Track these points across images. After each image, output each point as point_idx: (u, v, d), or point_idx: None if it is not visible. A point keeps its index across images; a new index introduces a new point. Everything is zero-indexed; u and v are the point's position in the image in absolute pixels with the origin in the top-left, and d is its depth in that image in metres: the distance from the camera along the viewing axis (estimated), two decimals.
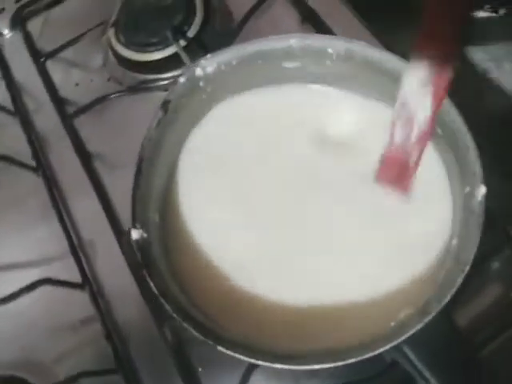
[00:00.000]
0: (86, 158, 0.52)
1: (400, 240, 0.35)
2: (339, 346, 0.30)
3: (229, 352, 0.30)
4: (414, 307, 0.30)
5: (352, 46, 0.36)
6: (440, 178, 0.36)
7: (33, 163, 0.53)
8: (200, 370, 0.42)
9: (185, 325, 0.31)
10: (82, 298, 0.46)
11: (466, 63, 0.66)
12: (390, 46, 0.50)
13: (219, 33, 0.55)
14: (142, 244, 0.34)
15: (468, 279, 0.41)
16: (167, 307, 0.32)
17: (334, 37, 0.37)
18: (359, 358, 0.29)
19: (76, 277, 0.47)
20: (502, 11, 0.62)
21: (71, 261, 0.47)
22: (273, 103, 0.40)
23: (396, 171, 0.36)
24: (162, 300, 0.32)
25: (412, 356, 0.31)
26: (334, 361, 0.29)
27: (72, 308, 0.47)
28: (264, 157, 0.39)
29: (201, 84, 0.39)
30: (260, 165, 0.39)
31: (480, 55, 0.66)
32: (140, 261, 0.33)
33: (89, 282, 0.46)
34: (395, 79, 0.35)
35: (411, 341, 0.30)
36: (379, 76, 0.36)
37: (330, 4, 0.55)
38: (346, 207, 0.37)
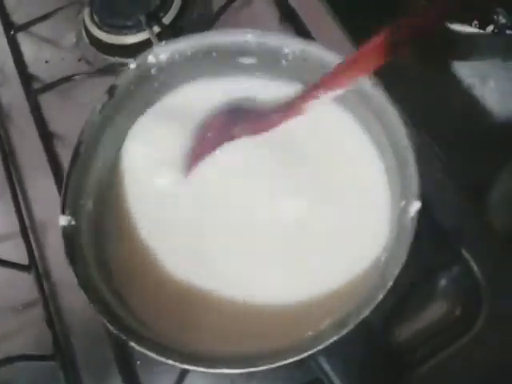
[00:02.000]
0: (47, 137, 0.51)
1: (331, 251, 0.35)
2: (256, 350, 0.30)
3: (139, 348, 0.30)
4: (334, 319, 0.30)
5: (308, 48, 0.36)
6: (381, 188, 0.35)
7: None
8: (138, 363, 0.42)
9: (100, 316, 0.30)
10: (27, 281, 0.45)
11: (450, 77, 0.66)
12: None
13: (195, 22, 0.54)
14: (70, 231, 0.33)
15: (413, 294, 0.41)
16: (86, 296, 0.31)
17: (290, 36, 0.36)
18: (270, 366, 0.28)
19: (24, 258, 0.46)
20: (489, 28, 0.62)
21: (20, 241, 0.46)
22: (221, 94, 0.39)
23: None
24: (81, 288, 0.31)
25: (327, 368, 0.30)
26: (245, 367, 0.29)
27: (16, 290, 0.46)
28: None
29: (152, 72, 0.38)
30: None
31: (465, 71, 0.66)
32: (64, 247, 0.32)
33: (35, 265, 0.45)
34: None
35: (328, 353, 0.29)
36: None
37: (310, 5, 0.54)
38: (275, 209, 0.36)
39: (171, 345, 0.31)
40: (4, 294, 0.45)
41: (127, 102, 0.37)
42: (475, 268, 0.41)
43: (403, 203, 0.31)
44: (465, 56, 0.65)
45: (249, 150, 0.37)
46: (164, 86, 0.39)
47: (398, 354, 0.40)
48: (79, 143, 0.35)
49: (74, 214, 0.34)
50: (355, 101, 0.35)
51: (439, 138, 0.48)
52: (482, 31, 0.61)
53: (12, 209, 0.48)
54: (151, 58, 0.37)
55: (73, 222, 0.33)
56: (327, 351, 0.30)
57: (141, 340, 0.30)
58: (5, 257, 0.44)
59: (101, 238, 0.36)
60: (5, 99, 0.54)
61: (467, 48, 0.65)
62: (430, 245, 0.43)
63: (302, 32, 0.52)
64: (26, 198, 0.49)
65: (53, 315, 0.44)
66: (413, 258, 0.41)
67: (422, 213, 0.42)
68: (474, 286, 0.41)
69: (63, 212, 0.33)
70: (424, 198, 0.43)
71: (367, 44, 0.33)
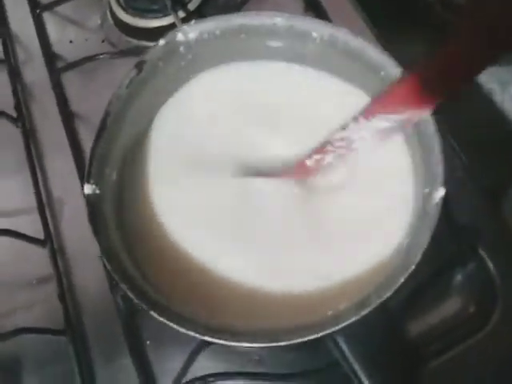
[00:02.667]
0: (68, 115, 0.51)
1: (355, 233, 0.35)
2: (277, 327, 0.30)
3: (160, 318, 0.30)
4: (355, 301, 0.30)
5: (336, 32, 0.35)
6: (405, 175, 0.35)
7: (14, 113, 0.52)
8: (148, 343, 0.42)
9: (121, 285, 0.31)
10: (42, 256, 0.45)
11: None
12: (386, 45, 0.50)
13: (220, 9, 0.54)
14: (94, 200, 0.33)
15: (429, 288, 0.41)
16: (107, 265, 0.31)
17: (318, 21, 0.36)
18: (289, 342, 0.28)
19: (40, 233, 0.46)
20: None
21: (37, 217, 0.47)
22: (249, 78, 0.39)
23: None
24: (103, 256, 0.31)
25: (345, 348, 0.30)
26: (264, 341, 0.29)
27: (31, 264, 0.46)
28: (229, 134, 0.38)
29: (181, 50, 0.38)
30: (225, 142, 0.38)
31: (486, 76, 0.66)
32: (88, 216, 0.32)
33: (51, 240, 0.45)
34: (374, 70, 0.34)
35: (347, 333, 0.29)
36: (359, 65, 0.35)
37: None
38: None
39: (191, 316, 0.31)
40: (19, 268, 0.46)
41: (155, 78, 0.38)
42: (491, 266, 0.41)
43: (427, 190, 0.31)
44: None
45: None
46: (192, 65, 0.39)
47: (413, 346, 0.40)
48: (106, 114, 0.36)
49: (98, 184, 0.34)
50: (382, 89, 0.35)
51: (460, 140, 0.48)
52: None
53: (30, 185, 0.48)
54: (180, 36, 0.37)
55: (97, 191, 0.34)
56: (346, 333, 0.30)
57: (161, 310, 0.30)
58: (21, 231, 0.44)
59: (123, 209, 0.36)
60: (28, 77, 0.54)
61: None
62: (447, 241, 0.43)
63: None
64: (44, 175, 0.49)
65: (65, 291, 0.44)
66: (429, 252, 0.41)
67: (441, 209, 0.42)
68: (489, 284, 0.41)
69: (88, 181, 0.33)
70: (445, 195, 0.43)
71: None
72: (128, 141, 0.37)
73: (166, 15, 0.53)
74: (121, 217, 0.35)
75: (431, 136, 0.31)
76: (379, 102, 0.33)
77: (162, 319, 0.30)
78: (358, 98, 0.37)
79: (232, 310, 0.33)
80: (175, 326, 0.29)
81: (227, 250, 0.35)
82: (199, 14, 0.53)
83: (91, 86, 0.53)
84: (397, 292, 0.39)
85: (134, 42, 0.54)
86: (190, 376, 0.40)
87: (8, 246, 0.45)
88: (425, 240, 0.29)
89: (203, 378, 0.38)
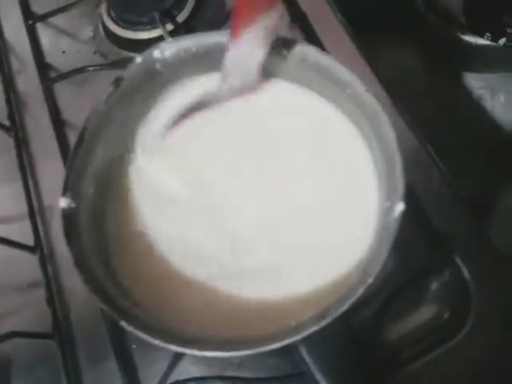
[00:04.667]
0: (59, 125, 0.53)
1: (318, 246, 0.36)
2: (242, 337, 0.31)
3: (129, 327, 0.31)
4: (316, 312, 0.31)
5: (306, 50, 0.37)
6: (368, 189, 0.36)
7: (7, 123, 0.53)
8: (134, 347, 0.43)
9: (94, 296, 0.32)
10: (32, 262, 0.47)
11: (460, 88, 0.67)
12: (372, 61, 0.51)
13: (208, 21, 0.56)
14: (69, 213, 0.35)
15: (405, 294, 0.42)
16: (80, 276, 0.32)
17: (290, 39, 0.37)
18: (252, 352, 0.30)
19: (30, 240, 0.47)
20: (501, 41, 0.63)
21: (28, 224, 0.48)
22: None
23: None
24: (76, 267, 0.33)
25: (308, 359, 0.31)
26: (228, 350, 0.30)
27: (22, 270, 0.47)
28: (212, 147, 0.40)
29: (157, 66, 0.39)
30: (209, 155, 0.40)
31: (476, 82, 0.67)
32: (63, 229, 0.34)
33: (40, 246, 0.47)
34: (343, 88, 0.36)
35: (308, 342, 0.30)
36: (328, 81, 0.37)
37: (322, 11, 0.55)
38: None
39: (161, 326, 0.32)
40: (9, 273, 0.47)
41: (134, 93, 0.39)
42: (466, 273, 0.42)
43: (388, 204, 0.32)
44: (476, 68, 0.66)
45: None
46: (169, 81, 0.40)
47: (384, 354, 0.41)
48: (84, 129, 0.37)
49: (74, 197, 0.35)
50: (350, 105, 0.36)
51: (442, 148, 0.49)
52: (494, 43, 0.62)
53: (22, 192, 0.50)
54: (157, 53, 0.39)
55: (73, 205, 0.35)
56: (310, 343, 0.31)
57: (131, 320, 0.31)
58: (12, 237, 0.46)
59: (100, 221, 0.37)
60: (21, 87, 0.56)
61: (479, 60, 0.65)
62: (423, 248, 0.44)
63: (310, 36, 0.54)
64: (35, 183, 0.51)
65: (54, 296, 0.45)
66: (406, 259, 0.43)
67: (416, 217, 0.44)
68: (464, 291, 0.42)
69: (64, 194, 0.35)
70: (420, 203, 0.45)
71: None
72: (107, 155, 0.38)
73: (154, 27, 0.54)
74: (98, 229, 0.36)
75: (393, 151, 0.32)
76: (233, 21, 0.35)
77: (129, 328, 0.31)
78: (327, 110, 0.39)
79: (197, 319, 0.34)
80: (142, 335, 0.31)
81: (197, 260, 0.36)
82: (187, 26, 0.55)
83: (83, 96, 0.54)
84: (370, 297, 0.41)
85: (125, 53, 0.56)
86: (172, 379, 0.41)
87: None
88: (384, 254, 0.30)
89: (185, 381, 0.40)
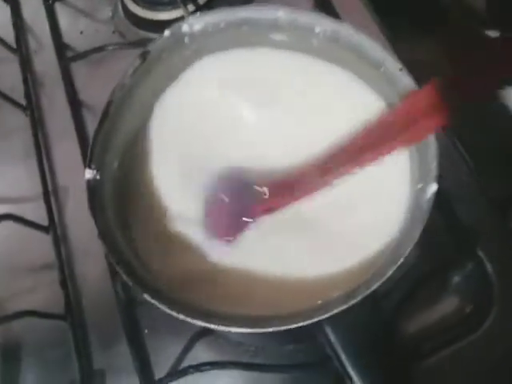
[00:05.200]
0: (76, 105, 0.52)
1: (349, 226, 0.35)
2: (267, 315, 0.30)
3: (152, 300, 0.30)
4: (344, 291, 0.30)
5: (338, 28, 0.36)
6: (402, 171, 0.35)
7: (23, 102, 0.52)
8: (146, 331, 0.43)
9: (117, 268, 0.31)
10: (46, 243, 0.46)
11: (500, 101, 0.65)
12: (395, 45, 0.50)
13: (230, 2, 0.54)
14: (94, 185, 0.34)
15: (427, 286, 0.41)
16: (104, 246, 0.32)
17: (321, 15, 0.36)
18: (278, 329, 0.29)
19: (44, 220, 0.47)
20: None
21: (42, 204, 0.48)
22: (250, 64, 0.39)
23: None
24: (100, 238, 0.32)
25: (333, 338, 0.30)
26: (253, 327, 0.29)
27: (35, 250, 0.47)
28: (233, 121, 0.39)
29: (186, 40, 0.38)
30: (227, 130, 0.39)
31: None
32: (87, 200, 0.33)
33: (54, 227, 0.46)
34: (375, 65, 0.35)
35: (335, 323, 0.30)
36: (361, 59, 0.36)
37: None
38: None
39: (185, 301, 0.31)
40: (23, 253, 0.47)
41: (159, 68, 0.38)
42: (488, 266, 0.41)
43: (421, 185, 0.32)
44: None
45: None
46: (196, 56, 0.39)
47: (407, 344, 0.40)
48: (109, 103, 0.36)
49: (99, 169, 0.34)
50: (382, 83, 0.35)
51: (469, 145, 0.48)
52: None
53: (37, 172, 0.49)
54: (185, 27, 0.38)
55: (97, 177, 0.34)
56: (336, 324, 0.30)
57: (154, 293, 0.31)
58: (26, 217, 0.45)
59: (124, 195, 0.36)
60: (39, 66, 0.55)
61: None
62: (447, 241, 0.43)
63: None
64: (50, 163, 0.50)
65: (67, 277, 0.44)
66: (430, 250, 0.41)
67: (441, 207, 0.42)
68: (486, 284, 0.41)
69: (89, 166, 0.34)
70: (447, 194, 0.43)
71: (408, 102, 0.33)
72: (130, 129, 0.38)
73: (175, 8, 0.53)
74: (122, 202, 0.36)
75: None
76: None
77: (153, 301, 0.30)
78: (360, 89, 0.38)
79: (227, 296, 0.34)
80: (166, 309, 0.30)
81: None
82: (208, 7, 0.54)
83: (100, 76, 0.54)
84: (392, 287, 0.40)
85: (144, 33, 0.55)
86: (185, 364, 0.40)
87: (12, 231, 0.45)
88: (416, 234, 0.29)
89: (198, 366, 0.39)
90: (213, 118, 0.39)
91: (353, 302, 0.28)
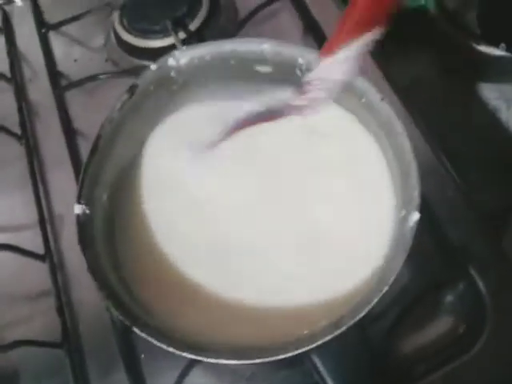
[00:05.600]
0: (70, 133, 0.53)
1: (333, 257, 0.35)
2: (254, 346, 0.31)
3: (142, 334, 0.30)
4: (330, 320, 0.31)
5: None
6: (386, 199, 0.36)
7: (18, 131, 0.53)
8: (142, 356, 0.43)
9: (106, 302, 0.32)
10: (42, 271, 0.46)
11: (476, 99, 0.66)
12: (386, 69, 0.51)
13: (221, 30, 0.56)
14: (83, 220, 0.35)
15: (420, 307, 0.42)
16: (94, 282, 0.32)
17: (305, 47, 0.37)
18: (264, 360, 0.29)
19: (40, 248, 0.47)
20: None
21: (38, 232, 0.48)
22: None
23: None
24: (90, 274, 0.32)
25: (321, 367, 0.31)
26: (240, 359, 0.30)
27: (32, 278, 0.47)
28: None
29: (172, 74, 0.39)
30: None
31: (491, 93, 0.66)
32: (77, 235, 0.33)
33: (50, 255, 0.46)
34: (359, 96, 0.35)
35: (322, 351, 0.30)
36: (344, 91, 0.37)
37: (333, 18, 0.55)
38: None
39: (173, 334, 0.32)
40: (19, 282, 0.47)
41: (147, 101, 0.39)
42: (481, 285, 0.42)
43: (403, 213, 0.32)
44: (492, 78, 0.65)
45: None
46: (183, 89, 0.40)
47: (399, 366, 0.40)
48: (98, 137, 0.37)
49: (88, 204, 0.35)
50: (366, 115, 0.36)
51: (457, 158, 0.48)
52: (509, 54, 0.61)
53: (32, 200, 0.49)
54: (171, 61, 0.39)
55: (87, 211, 0.35)
56: (323, 352, 0.30)
57: (144, 326, 0.31)
58: (23, 246, 0.45)
59: (113, 228, 0.37)
60: (33, 95, 0.56)
61: (494, 70, 0.65)
62: (438, 260, 0.44)
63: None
64: (46, 191, 0.51)
65: (63, 305, 0.45)
66: (420, 271, 0.42)
67: (431, 228, 0.43)
68: (479, 304, 0.41)
69: (79, 201, 0.35)
70: (435, 213, 0.44)
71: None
72: (120, 163, 0.38)
73: (167, 36, 0.54)
74: (111, 236, 0.36)
75: (409, 161, 0.32)
76: (334, 37, 0.35)
77: (143, 335, 0.30)
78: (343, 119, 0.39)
79: (216, 329, 0.34)
80: (155, 342, 0.30)
81: (212, 267, 0.36)
82: (199, 35, 0.55)
83: (94, 104, 0.54)
84: (384, 310, 0.40)
85: (136, 61, 0.55)
86: None
87: (9, 260, 0.46)
88: (399, 263, 0.30)
89: None
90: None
91: (339, 331, 0.29)
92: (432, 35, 0.67)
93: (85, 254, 0.33)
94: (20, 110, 0.54)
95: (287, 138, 0.39)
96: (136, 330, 0.30)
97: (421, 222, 0.31)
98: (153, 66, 0.38)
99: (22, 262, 0.46)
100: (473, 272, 0.42)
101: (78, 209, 0.35)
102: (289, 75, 0.38)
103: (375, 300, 0.29)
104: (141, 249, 0.37)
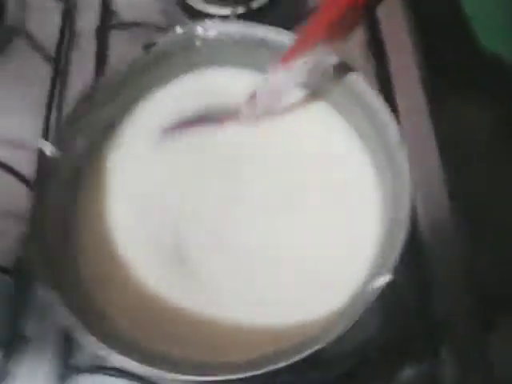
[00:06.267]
0: (101, 72, 0.52)
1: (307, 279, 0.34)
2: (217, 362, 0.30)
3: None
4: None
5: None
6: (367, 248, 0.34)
7: (52, 54, 0.52)
8: None
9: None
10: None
11: None
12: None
13: (282, 16, 0.53)
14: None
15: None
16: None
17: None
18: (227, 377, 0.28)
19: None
20: None
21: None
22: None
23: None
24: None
25: None
26: (202, 374, 0.28)
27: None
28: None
29: (197, 43, 0.37)
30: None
31: None
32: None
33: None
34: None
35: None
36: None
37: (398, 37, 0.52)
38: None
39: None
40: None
41: (159, 63, 0.37)
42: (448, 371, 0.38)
43: (375, 271, 0.30)
44: None
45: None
46: (202, 62, 0.38)
47: None
48: (96, 85, 0.36)
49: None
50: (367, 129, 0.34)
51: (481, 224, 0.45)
52: None
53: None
54: (200, 30, 0.37)
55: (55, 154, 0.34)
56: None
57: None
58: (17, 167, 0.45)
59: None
60: (79, 23, 0.55)
61: None
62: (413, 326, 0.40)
63: (381, 63, 0.50)
64: (58, 120, 0.49)
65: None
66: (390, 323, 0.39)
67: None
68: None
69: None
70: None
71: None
72: (103, 122, 0.37)
73: (225, 5, 0.52)
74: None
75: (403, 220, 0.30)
76: (292, 48, 0.34)
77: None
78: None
79: (184, 345, 0.33)
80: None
81: (173, 273, 0.35)
82: (259, 14, 0.52)
83: (133, 48, 0.53)
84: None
85: (187, 20, 0.54)
86: None
87: None
88: (354, 317, 0.28)
89: None
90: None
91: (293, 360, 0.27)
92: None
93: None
94: (62, 34, 0.54)
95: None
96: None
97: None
98: (179, 30, 0.37)
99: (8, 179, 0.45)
100: (443, 353, 0.38)
101: (46, 146, 0.33)
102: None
103: (316, 347, 0.27)
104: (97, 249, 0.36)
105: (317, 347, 0.28)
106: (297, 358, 0.28)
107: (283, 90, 0.36)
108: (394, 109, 0.46)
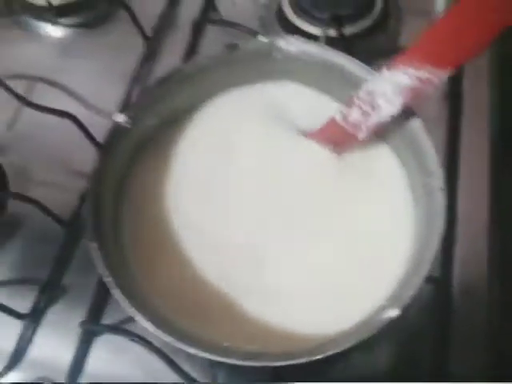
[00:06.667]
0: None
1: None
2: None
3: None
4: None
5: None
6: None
7: (149, 33, 0.56)
8: None
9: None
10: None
11: None
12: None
13: (370, 48, 0.54)
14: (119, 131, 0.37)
15: None
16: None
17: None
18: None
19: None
20: None
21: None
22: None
23: (336, 135, 0.38)
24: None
25: None
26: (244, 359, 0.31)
27: (79, 156, 0.49)
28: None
29: (275, 54, 0.39)
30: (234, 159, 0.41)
31: None
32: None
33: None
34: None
35: None
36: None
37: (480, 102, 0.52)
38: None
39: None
40: (69, 152, 0.50)
41: (238, 65, 0.39)
42: None
43: (387, 303, 0.32)
44: None
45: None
46: (275, 74, 0.40)
47: None
48: (178, 69, 0.39)
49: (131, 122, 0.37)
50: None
51: None
52: None
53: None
54: (282, 43, 0.38)
55: (128, 125, 0.36)
56: None
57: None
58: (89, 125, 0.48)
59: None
60: (180, 11, 0.59)
61: None
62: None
63: (454, 117, 0.51)
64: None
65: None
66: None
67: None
68: None
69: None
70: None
71: None
72: (175, 105, 0.40)
73: (316, 25, 0.53)
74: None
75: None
76: (402, 56, 0.34)
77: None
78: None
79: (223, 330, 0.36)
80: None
81: (213, 265, 0.38)
82: (348, 41, 0.53)
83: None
84: None
85: (280, 31, 0.56)
86: None
87: (72, 131, 0.48)
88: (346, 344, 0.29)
89: None
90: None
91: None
92: None
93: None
94: (163, 16, 0.57)
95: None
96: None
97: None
98: (263, 39, 0.38)
99: (81, 138, 0.48)
100: None
101: (120, 116, 0.36)
102: None
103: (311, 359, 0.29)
104: (147, 237, 0.38)
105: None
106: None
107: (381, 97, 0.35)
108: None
